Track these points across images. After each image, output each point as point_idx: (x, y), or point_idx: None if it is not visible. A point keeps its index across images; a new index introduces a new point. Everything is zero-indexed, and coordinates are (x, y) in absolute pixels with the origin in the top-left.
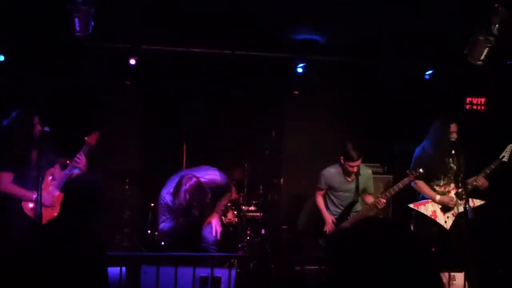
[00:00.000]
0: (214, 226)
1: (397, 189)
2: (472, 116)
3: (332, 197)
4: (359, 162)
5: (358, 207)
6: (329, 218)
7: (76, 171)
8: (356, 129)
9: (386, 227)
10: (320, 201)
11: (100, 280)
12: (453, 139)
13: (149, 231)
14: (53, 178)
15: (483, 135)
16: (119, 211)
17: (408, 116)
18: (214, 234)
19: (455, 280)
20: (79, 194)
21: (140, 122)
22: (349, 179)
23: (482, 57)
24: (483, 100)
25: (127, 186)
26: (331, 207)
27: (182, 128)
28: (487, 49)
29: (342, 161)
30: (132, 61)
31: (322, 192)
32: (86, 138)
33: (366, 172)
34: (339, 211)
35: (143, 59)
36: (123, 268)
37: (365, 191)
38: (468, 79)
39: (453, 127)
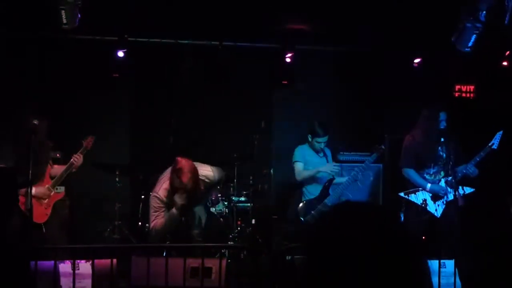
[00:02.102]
0: None
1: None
2: (461, 103)
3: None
4: (325, 138)
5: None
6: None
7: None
8: (345, 118)
9: (368, 212)
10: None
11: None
12: (442, 127)
13: (139, 223)
14: (50, 176)
15: (472, 122)
16: (110, 203)
17: (397, 105)
18: None
19: (445, 267)
20: None
21: (129, 114)
22: (319, 156)
23: (470, 44)
24: (472, 87)
25: (117, 179)
26: (313, 188)
27: (170, 120)
28: (475, 36)
29: (310, 139)
30: (120, 54)
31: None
32: (83, 141)
33: (328, 150)
34: (320, 187)
35: (131, 51)
36: (114, 260)
37: None
38: (457, 66)
39: (442, 116)
